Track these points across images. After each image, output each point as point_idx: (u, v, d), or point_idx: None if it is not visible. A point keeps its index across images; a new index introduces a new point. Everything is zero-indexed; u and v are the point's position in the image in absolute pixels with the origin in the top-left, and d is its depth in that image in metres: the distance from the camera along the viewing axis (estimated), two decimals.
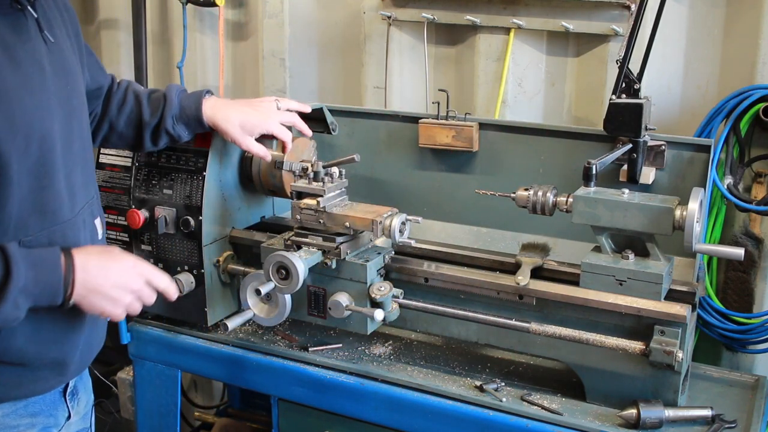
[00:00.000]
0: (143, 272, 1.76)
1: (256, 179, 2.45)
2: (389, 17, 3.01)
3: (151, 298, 1.79)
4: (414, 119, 2.59)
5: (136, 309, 1.77)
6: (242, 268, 2.39)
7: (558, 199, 2.11)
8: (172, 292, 1.84)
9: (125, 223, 2.38)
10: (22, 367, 1.71)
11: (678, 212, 1.94)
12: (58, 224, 1.70)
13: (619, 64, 2.19)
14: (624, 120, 2.19)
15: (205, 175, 2.30)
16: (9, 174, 1.58)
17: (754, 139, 2.51)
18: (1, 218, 1.60)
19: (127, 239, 2.43)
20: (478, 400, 2.09)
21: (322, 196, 2.14)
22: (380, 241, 2.28)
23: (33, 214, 1.65)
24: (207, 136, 2.31)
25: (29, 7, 1.66)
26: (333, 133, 2.53)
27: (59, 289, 1.60)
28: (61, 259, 1.61)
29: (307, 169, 2.21)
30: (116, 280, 1.69)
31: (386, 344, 2.41)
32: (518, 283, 2.07)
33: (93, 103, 2.09)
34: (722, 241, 2.59)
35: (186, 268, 2.37)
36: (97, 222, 1.90)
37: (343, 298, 2.15)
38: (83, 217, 1.80)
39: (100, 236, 1.91)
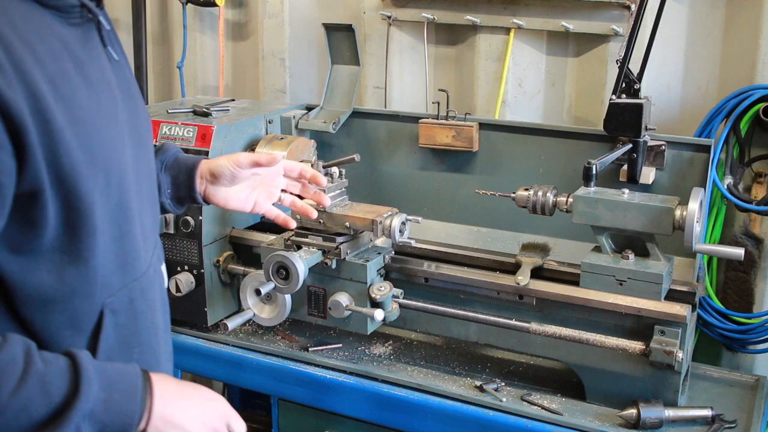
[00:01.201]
0: (225, 411, 1.44)
1: None
2: (389, 17, 3.01)
3: None
4: (414, 119, 2.59)
5: None
6: (242, 268, 2.39)
7: (558, 199, 2.11)
8: None
9: None
10: None
11: (678, 212, 1.94)
12: (137, 278, 1.43)
13: (619, 64, 2.19)
14: (624, 120, 2.19)
15: None
16: (93, 221, 1.29)
17: (754, 139, 2.51)
18: (87, 276, 1.32)
19: None
20: (478, 400, 2.09)
21: None
22: (380, 241, 2.27)
23: (116, 269, 1.38)
24: (207, 135, 2.31)
25: (101, 17, 1.36)
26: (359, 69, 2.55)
27: (134, 419, 1.27)
28: (140, 382, 1.30)
29: None
30: (196, 415, 1.37)
31: (386, 344, 2.41)
32: (518, 283, 2.07)
33: None
34: (722, 241, 2.58)
35: (186, 268, 2.37)
36: (163, 268, 1.62)
37: (343, 298, 2.15)
38: (154, 266, 1.52)
39: (166, 284, 1.65)
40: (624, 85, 2.19)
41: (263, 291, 2.14)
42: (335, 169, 2.18)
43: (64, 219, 1.27)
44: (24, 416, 1.16)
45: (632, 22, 2.19)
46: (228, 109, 2.59)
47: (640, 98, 2.20)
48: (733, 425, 2.03)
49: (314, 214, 1.96)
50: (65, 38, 1.29)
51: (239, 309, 2.41)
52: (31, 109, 1.17)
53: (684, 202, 1.96)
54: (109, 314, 1.37)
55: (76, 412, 1.20)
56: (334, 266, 2.16)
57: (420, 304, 2.19)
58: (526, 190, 2.14)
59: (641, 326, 1.99)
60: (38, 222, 1.24)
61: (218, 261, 2.39)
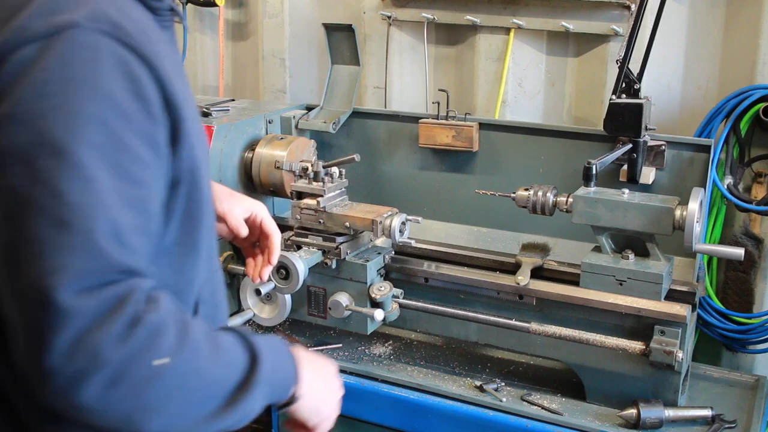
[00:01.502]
0: (338, 377, 1.47)
1: (256, 179, 2.45)
2: (389, 17, 3.01)
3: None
4: (414, 119, 2.59)
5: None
6: (242, 268, 2.38)
7: (558, 199, 2.11)
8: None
9: None
10: None
11: (678, 212, 1.94)
12: (216, 269, 1.46)
13: (619, 64, 2.19)
14: (624, 120, 2.19)
15: None
16: (204, 212, 1.31)
17: (754, 139, 2.51)
18: (196, 267, 1.33)
19: None
20: (478, 400, 2.09)
21: (322, 196, 2.14)
22: (380, 241, 2.28)
23: (205, 260, 1.39)
24: (207, 135, 2.30)
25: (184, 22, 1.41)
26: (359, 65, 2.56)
27: (292, 383, 1.32)
28: (287, 349, 1.33)
29: (307, 169, 2.21)
30: (327, 383, 1.43)
31: (386, 344, 2.41)
32: (518, 283, 2.07)
33: None
34: (722, 241, 2.58)
35: None
36: None
37: (343, 298, 2.15)
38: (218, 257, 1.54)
39: None
40: (624, 85, 2.19)
41: (263, 291, 2.14)
42: (335, 169, 2.18)
43: (186, 211, 1.27)
44: (221, 386, 1.18)
45: (632, 22, 2.19)
46: (228, 109, 2.59)
47: (640, 98, 2.20)
48: (733, 425, 2.03)
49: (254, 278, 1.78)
50: (164, 40, 1.32)
51: (239, 309, 2.40)
52: (177, 101, 1.20)
53: (684, 202, 1.96)
54: (201, 304, 1.39)
55: (260, 378, 1.21)
56: (334, 266, 2.16)
57: (420, 304, 2.19)
58: (526, 190, 2.14)
59: (641, 326, 1.99)
60: (170, 214, 1.24)
61: None
